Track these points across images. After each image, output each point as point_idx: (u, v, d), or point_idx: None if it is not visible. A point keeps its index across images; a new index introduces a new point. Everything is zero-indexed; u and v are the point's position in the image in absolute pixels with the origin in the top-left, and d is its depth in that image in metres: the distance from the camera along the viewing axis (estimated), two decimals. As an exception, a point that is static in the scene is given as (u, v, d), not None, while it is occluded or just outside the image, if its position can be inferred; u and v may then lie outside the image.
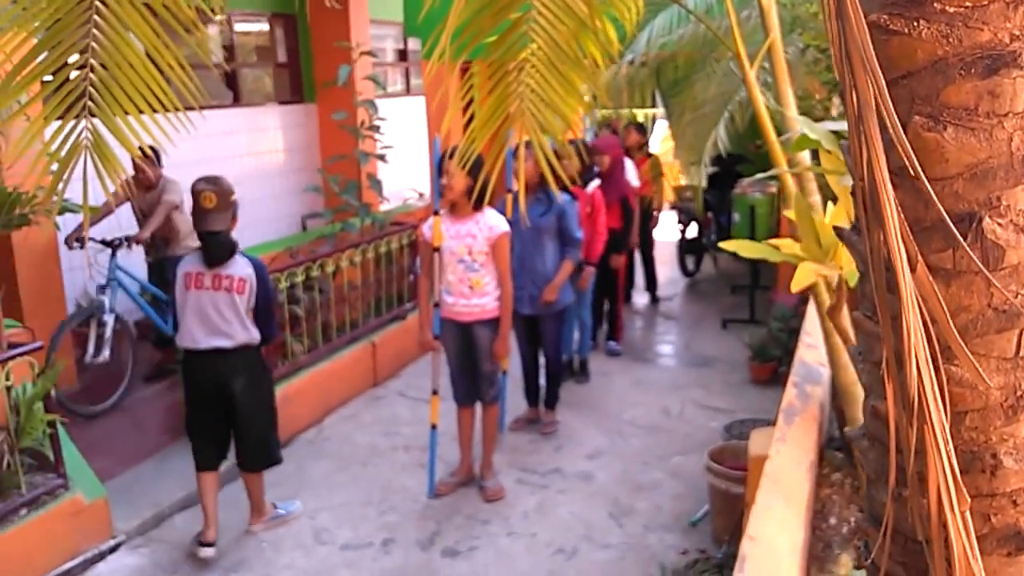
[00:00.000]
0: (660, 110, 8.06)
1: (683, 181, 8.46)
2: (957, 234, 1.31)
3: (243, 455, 4.46)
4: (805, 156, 3.89)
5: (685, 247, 9.39)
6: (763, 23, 4.35)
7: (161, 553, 4.44)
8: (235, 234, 4.20)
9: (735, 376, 6.69)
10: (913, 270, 1.29)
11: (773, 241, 2.77)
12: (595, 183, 6.28)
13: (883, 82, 1.24)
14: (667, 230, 10.20)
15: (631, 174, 7.57)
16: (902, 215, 1.28)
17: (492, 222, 4.74)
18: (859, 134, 1.30)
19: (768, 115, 3.86)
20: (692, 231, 9.41)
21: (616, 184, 6.74)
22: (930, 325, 1.31)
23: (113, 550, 4.41)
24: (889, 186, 1.27)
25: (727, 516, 4.33)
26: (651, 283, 8.71)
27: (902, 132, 1.25)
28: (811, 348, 4.59)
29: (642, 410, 6.15)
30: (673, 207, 9.69)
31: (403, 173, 9.28)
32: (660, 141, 9.56)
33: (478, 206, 4.69)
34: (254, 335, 4.20)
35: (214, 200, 4.02)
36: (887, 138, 1.29)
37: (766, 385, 6.31)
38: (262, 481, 4.55)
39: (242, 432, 4.38)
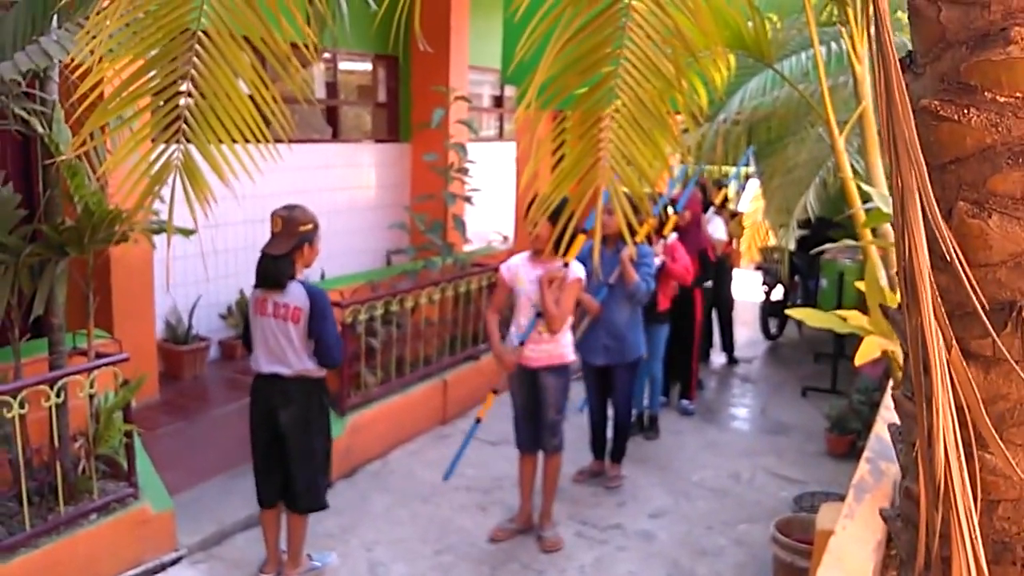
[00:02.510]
0: (752, 169, 7.98)
1: (771, 242, 8.36)
2: (987, 324, 1.30)
3: (288, 493, 4.39)
4: (890, 228, 3.81)
5: (769, 309, 9.22)
6: (855, 91, 4.31)
7: (220, 570, 4.55)
8: (322, 263, 4.24)
9: (811, 446, 6.50)
10: (948, 353, 1.28)
11: (841, 312, 2.72)
12: (674, 236, 6.28)
13: (925, 170, 1.25)
14: (752, 291, 10.05)
15: (720, 229, 7.53)
16: (939, 299, 1.27)
17: (571, 268, 4.79)
18: (901, 218, 1.30)
19: (857, 184, 3.80)
20: (777, 293, 9.25)
21: (694, 239, 6.74)
22: (966, 411, 1.30)
23: (175, 562, 4.54)
24: (927, 270, 1.26)
25: (790, 590, 4.21)
26: (728, 343, 8.59)
27: (941, 219, 1.25)
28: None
29: (711, 473, 6.03)
30: (759, 268, 9.56)
31: (489, 216, 9.43)
32: (750, 200, 9.45)
33: (559, 253, 4.73)
34: (309, 366, 4.19)
35: (279, 224, 4.10)
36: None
37: (842, 458, 6.11)
38: (304, 528, 4.43)
39: (290, 467, 4.33)
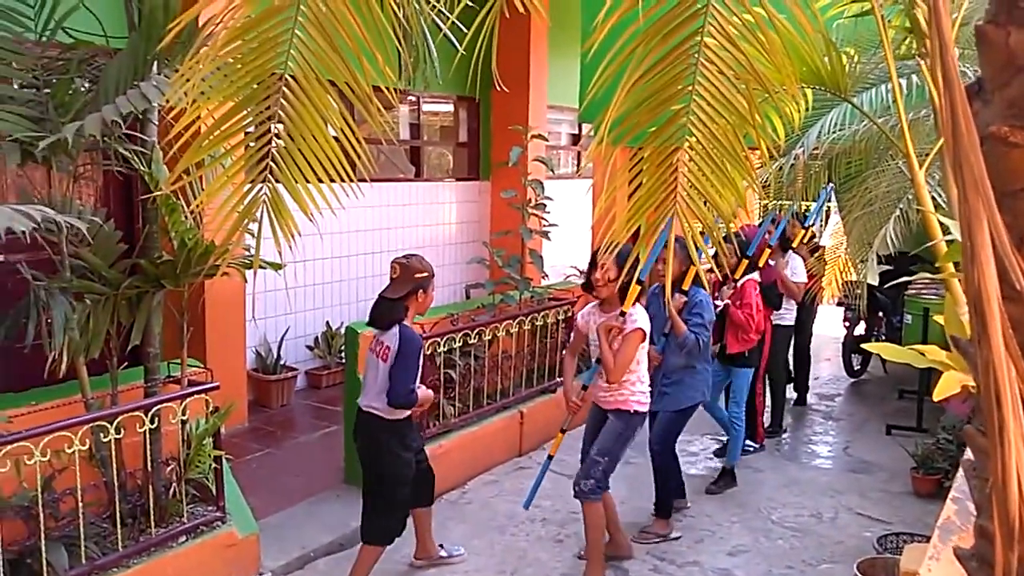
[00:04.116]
0: (833, 204, 7.84)
1: (853, 277, 8.22)
2: None
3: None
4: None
5: (851, 346, 8.99)
6: (936, 124, 4.24)
7: (301, 595, 4.67)
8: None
9: (896, 486, 6.32)
10: (1021, 385, 1.25)
11: (919, 347, 2.68)
12: (747, 277, 6.17)
13: (992, 197, 1.23)
14: (835, 327, 9.85)
15: (799, 271, 7.34)
16: (1011, 330, 1.25)
17: (633, 317, 4.68)
18: (969, 247, 1.30)
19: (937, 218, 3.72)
20: (860, 329, 9.04)
21: (763, 276, 6.62)
22: None
23: (258, 586, 4.67)
24: (997, 299, 1.24)
25: (872, 633, 4.10)
26: (803, 384, 8.36)
27: (1009, 247, 1.24)
28: (977, 463, 4.29)
29: (792, 511, 5.91)
30: (841, 304, 9.36)
31: (565, 251, 9.52)
32: (831, 235, 9.30)
33: (625, 299, 4.67)
34: (377, 405, 4.33)
35: (397, 271, 4.36)
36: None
37: (929, 499, 5.92)
38: (366, 561, 4.45)
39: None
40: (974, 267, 1.30)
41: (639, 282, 4.68)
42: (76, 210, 4.12)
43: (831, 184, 6.61)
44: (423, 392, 4.42)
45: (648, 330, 4.77)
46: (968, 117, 1.28)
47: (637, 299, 4.72)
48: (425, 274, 4.37)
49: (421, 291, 4.37)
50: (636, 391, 4.81)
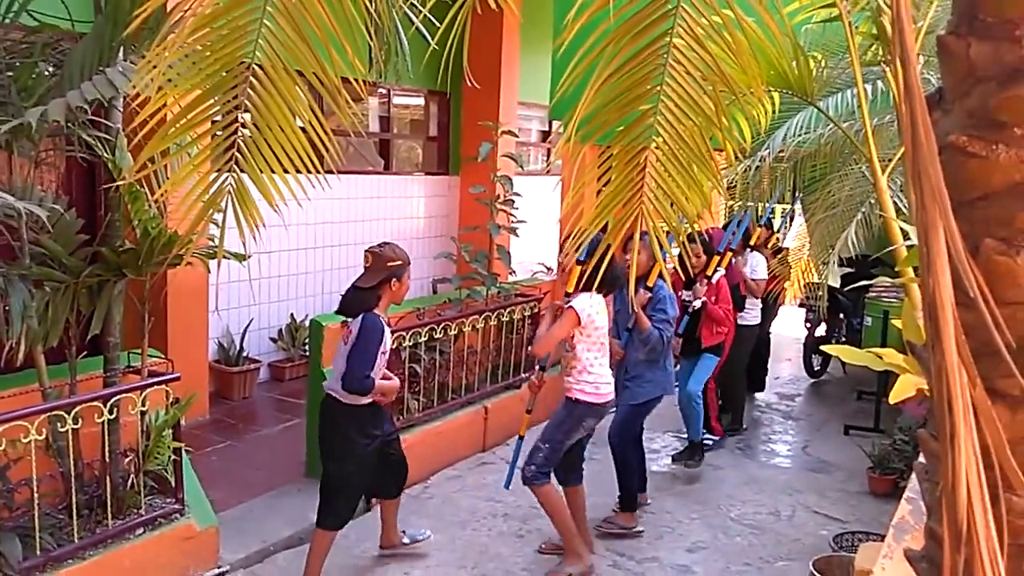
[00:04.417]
0: (798, 206, 7.95)
1: (815, 279, 8.32)
2: (1013, 364, 1.28)
3: None
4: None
5: (812, 346, 9.12)
6: (899, 129, 4.31)
7: (260, 589, 4.63)
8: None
9: (853, 485, 6.42)
10: (973, 391, 1.28)
11: (877, 349, 2.73)
12: (720, 273, 6.29)
13: (949, 205, 1.26)
14: (796, 327, 9.97)
15: (761, 267, 7.47)
16: (963, 337, 1.27)
17: (573, 298, 4.80)
18: (925, 253, 1.32)
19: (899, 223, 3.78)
20: (822, 330, 9.16)
21: (728, 275, 6.71)
22: (991, 451, 1.28)
23: (217, 578, 4.63)
24: (951, 306, 1.27)
25: (826, 630, 4.16)
26: (760, 379, 8.52)
27: (964, 255, 1.26)
28: (931, 464, 4.38)
29: (751, 508, 5.98)
30: (803, 305, 9.49)
31: (534, 247, 9.53)
32: (794, 237, 9.41)
33: (587, 289, 4.76)
34: (334, 388, 4.33)
35: (369, 259, 4.35)
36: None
37: (885, 498, 6.02)
38: (318, 546, 4.41)
39: None
40: (930, 274, 1.32)
41: (579, 263, 4.75)
42: (37, 196, 4.05)
43: (780, 188, 6.73)
44: (386, 382, 4.41)
45: (584, 313, 4.75)
46: (928, 127, 1.30)
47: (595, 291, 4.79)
48: (398, 262, 4.34)
49: (395, 279, 4.34)
50: (581, 380, 4.85)
